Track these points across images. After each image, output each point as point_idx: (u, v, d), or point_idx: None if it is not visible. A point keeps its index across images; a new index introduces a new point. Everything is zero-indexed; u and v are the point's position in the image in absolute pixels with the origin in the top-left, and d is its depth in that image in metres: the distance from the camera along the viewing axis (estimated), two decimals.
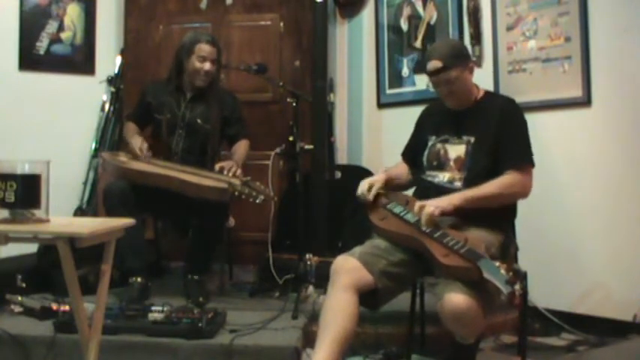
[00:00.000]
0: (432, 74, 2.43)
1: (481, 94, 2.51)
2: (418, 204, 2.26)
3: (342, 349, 2.13)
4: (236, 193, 2.81)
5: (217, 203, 2.95)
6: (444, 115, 2.53)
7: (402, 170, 2.66)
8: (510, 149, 2.35)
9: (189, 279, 3.13)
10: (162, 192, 2.95)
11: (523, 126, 2.42)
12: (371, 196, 2.44)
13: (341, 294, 2.18)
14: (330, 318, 2.15)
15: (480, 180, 2.31)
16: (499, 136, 2.36)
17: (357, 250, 2.31)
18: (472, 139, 2.41)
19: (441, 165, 2.46)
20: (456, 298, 2.00)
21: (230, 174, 2.98)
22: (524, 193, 2.36)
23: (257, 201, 2.80)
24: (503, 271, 1.92)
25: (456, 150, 2.44)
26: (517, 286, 1.88)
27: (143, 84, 3.69)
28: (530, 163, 2.37)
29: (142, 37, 4.25)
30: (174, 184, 2.92)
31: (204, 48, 3.21)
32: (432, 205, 2.22)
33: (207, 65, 3.21)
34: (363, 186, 2.48)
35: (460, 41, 3.50)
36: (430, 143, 2.52)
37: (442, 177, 2.44)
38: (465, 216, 2.29)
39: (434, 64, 2.39)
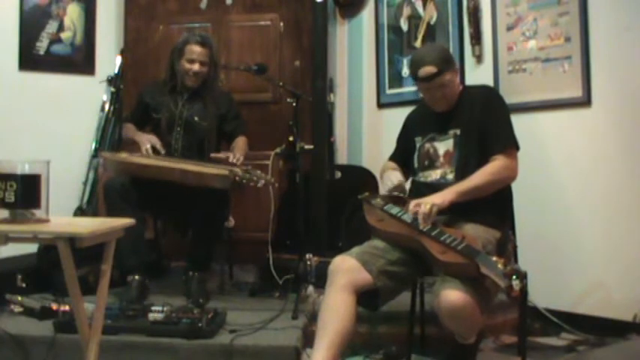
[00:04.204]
0: (425, 80, 2.42)
1: (460, 89, 2.52)
2: (413, 203, 2.28)
3: (340, 350, 2.14)
4: (237, 179, 2.82)
5: (218, 194, 2.96)
6: (427, 116, 2.55)
7: (397, 167, 2.65)
8: (494, 134, 2.38)
9: (190, 276, 3.13)
10: (163, 190, 2.96)
11: (504, 111, 2.45)
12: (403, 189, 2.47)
13: (338, 294, 2.19)
14: (328, 319, 2.16)
15: (471, 169, 2.33)
16: (483, 123, 2.39)
17: (356, 250, 2.31)
18: (458, 132, 2.43)
19: (432, 163, 2.48)
20: (453, 295, 2.01)
21: (235, 159, 3.02)
22: (512, 176, 2.39)
23: (258, 185, 2.81)
24: (500, 266, 1.94)
25: (444, 145, 2.46)
26: (515, 280, 1.89)
27: (141, 85, 3.69)
28: (515, 146, 2.40)
29: (142, 37, 4.25)
30: (176, 174, 2.93)
31: (194, 49, 3.24)
32: (428, 203, 2.23)
33: (195, 67, 3.24)
34: (393, 179, 2.49)
35: (443, 44, 3.50)
36: (418, 145, 2.54)
37: (434, 175, 2.46)
38: (463, 213, 2.30)
39: (428, 70, 2.38)
